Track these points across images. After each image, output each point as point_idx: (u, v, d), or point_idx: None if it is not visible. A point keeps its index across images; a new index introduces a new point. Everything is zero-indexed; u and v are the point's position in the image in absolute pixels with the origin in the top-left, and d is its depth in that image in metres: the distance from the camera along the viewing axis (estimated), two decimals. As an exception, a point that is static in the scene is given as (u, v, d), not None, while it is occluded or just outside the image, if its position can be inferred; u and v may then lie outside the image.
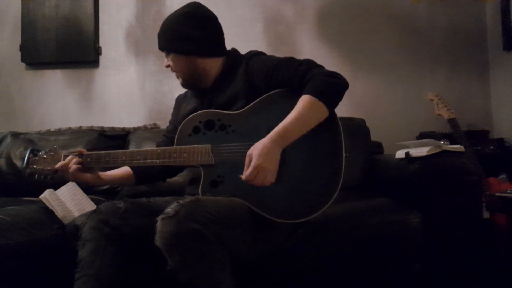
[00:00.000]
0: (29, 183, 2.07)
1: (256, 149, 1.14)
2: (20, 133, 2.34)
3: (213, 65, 1.40)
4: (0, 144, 2.28)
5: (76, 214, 1.59)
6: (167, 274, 1.04)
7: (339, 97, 1.25)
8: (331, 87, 1.22)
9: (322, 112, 1.21)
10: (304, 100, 1.20)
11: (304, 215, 1.21)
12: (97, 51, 2.70)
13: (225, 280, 1.08)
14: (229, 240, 1.12)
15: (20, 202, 1.83)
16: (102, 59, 2.73)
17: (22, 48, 2.69)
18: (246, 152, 1.22)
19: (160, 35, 1.40)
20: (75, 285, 1.16)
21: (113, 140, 2.31)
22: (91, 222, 1.22)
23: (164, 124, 2.50)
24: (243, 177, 1.14)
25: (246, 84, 1.34)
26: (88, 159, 1.37)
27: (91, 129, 2.40)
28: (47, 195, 1.58)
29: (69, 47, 2.66)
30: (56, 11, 2.67)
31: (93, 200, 1.73)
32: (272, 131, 1.17)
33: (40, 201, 1.58)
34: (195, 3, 1.42)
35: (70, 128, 2.43)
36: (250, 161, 1.14)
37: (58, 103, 2.73)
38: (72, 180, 1.39)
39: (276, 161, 1.15)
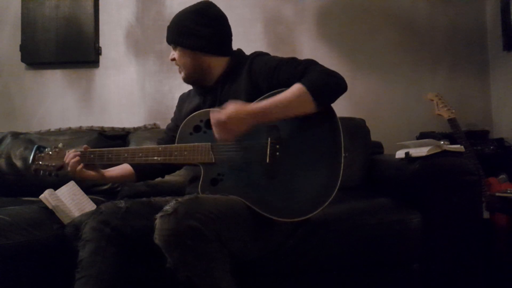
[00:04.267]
0: (29, 183, 2.09)
1: (233, 107, 1.18)
2: (20, 133, 2.34)
3: (217, 64, 1.41)
4: (0, 144, 2.27)
5: (76, 214, 1.59)
6: (167, 274, 1.05)
7: (332, 96, 1.24)
8: (325, 84, 1.22)
9: (308, 104, 1.21)
10: (294, 87, 1.22)
11: (303, 213, 1.21)
12: (97, 51, 2.70)
13: (224, 278, 1.08)
14: (229, 239, 1.12)
15: (20, 202, 1.83)
16: (102, 59, 2.73)
17: (22, 48, 2.69)
18: (245, 152, 1.22)
19: (169, 28, 1.43)
20: (75, 285, 1.16)
21: (113, 140, 2.31)
22: (92, 222, 1.22)
23: (164, 124, 2.50)
24: (212, 120, 1.19)
25: (249, 83, 1.35)
26: (91, 156, 1.40)
27: (91, 129, 2.40)
28: (47, 195, 1.58)
29: (69, 47, 2.66)
30: (56, 11, 2.67)
31: (93, 200, 1.73)
32: (254, 104, 1.20)
33: (40, 201, 1.58)
34: (207, 1, 1.44)
35: (70, 128, 2.43)
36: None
37: (58, 103, 2.73)
38: (77, 176, 1.41)
39: (242, 130, 1.19)
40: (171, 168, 1.57)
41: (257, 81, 1.34)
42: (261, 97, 1.31)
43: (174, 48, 1.43)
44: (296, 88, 1.21)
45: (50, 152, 1.46)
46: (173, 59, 1.44)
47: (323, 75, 1.23)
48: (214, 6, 1.43)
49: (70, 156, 1.39)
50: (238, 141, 1.28)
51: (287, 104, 1.20)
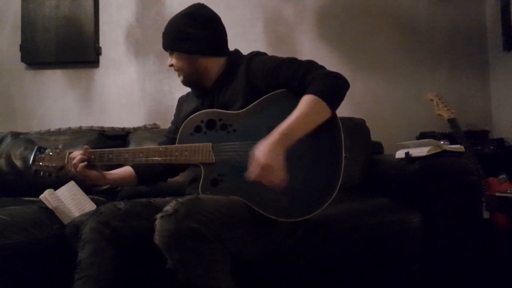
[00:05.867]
0: (29, 183, 2.09)
1: (259, 148, 1.14)
2: (20, 133, 2.34)
3: (215, 65, 1.41)
4: (0, 144, 2.27)
5: (76, 214, 1.59)
6: (167, 275, 1.04)
7: (341, 97, 1.25)
8: (332, 87, 1.23)
9: (324, 112, 1.21)
10: (306, 99, 1.21)
11: (303, 214, 1.21)
12: (97, 51, 2.70)
13: (224, 279, 1.08)
14: (229, 239, 1.11)
15: (20, 202, 1.83)
16: (102, 59, 2.74)
17: (22, 48, 2.69)
18: (246, 151, 1.23)
19: (164, 35, 1.43)
20: (74, 286, 1.16)
21: (113, 140, 2.31)
22: (91, 223, 1.22)
23: (164, 124, 2.52)
24: (248, 176, 1.13)
25: (247, 84, 1.35)
26: (92, 156, 1.40)
27: (91, 129, 2.40)
28: (47, 195, 1.58)
29: (69, 47, 2.66)
30: (56, 11, 2.67)
31: (93, 200, 1.73)
32: (274, 130, 1.16)
33: (40, 201, 1.58)
34: (199, 4, 1.44)
35: (70, 128, 2.43)
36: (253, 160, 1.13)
37: (58, 103, 2.74)
38: (79, 176, 1.41)
39: (280, 159, 1.13)
40: (173, 171, 1.57)
41: (255, 81, 1.34)
42: (260, 99, 1.31)
43: (171, 54, 1.43)
44: (308, 99, 1.20)
45: (51, 153, 1.46)
46: (171, 65, 1.44)
47: (327, 79, 1.23)
48: (205, 7, 1.43)
49: (78, 158, 1.38)
50: (239, 142, 1.28)
51: (306, 117, 1.18)
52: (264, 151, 1.12)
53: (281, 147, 1.14)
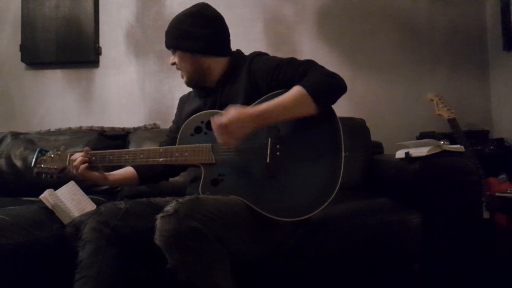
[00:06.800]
0: (29, 183, 2.09)
1: (235, 111, 1.17)
2: (20, 133, 2.34)
3: (217, 65, 1.42)
4: (0, 144, 2.27)
5: (76, 214, 1.59)
6: (167, 275, 1.05)
7: (332, 97, 1.25)
8: (325, 85, 1.23)
9: (308, 106, 1.21)
10: (294, 89, 1.22)
11: (303, 213, 1.20)
12: (97, 51, 2.70)
13: (224, 279, 1.08)
14: (229, 239, 1.12)
15: (20, 202, 1.83)
16: (102, 59, 2.73)
17: (22, 48, 2.69)
18: (246, 151, 1.22)
19: (167, 33, 1.43)
20: (74, 286, 1.16)
21: (113, 140, 2.31)
22: (92, 223, 1.22)
23: (164, 124, 2.52)
24: (214, 122, 1.18)
25: (248, 84, 1.35)
26: (93, 158, 1.41)
27: (91, 129, 2.40)
28: (47, 195, 1.58)
29: (69, 47, 2.66)
30: (56, 11, 2.67)
31: (93, 200, 1.73)
32: (255, 107, 1.20)
33: (40, 201, 1.58)
34: (202, 3, 1.45)
35: (70, 128, 2.43)
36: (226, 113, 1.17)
37: (58, 103, 2.73)
38: (80, 178, 1.42)
39: (244, 133, 1.18)
40: (174, 170, 1.58)
41: (257, 82, 1.35)
42: (260, 99, 1.32)
43: (174, 53, 1.43)
44: (296, 90, 1.22)
45: (52, 155, 1.47)
46: (174, 63, 1.44)
47: (322, 77, 1.23)
48: (209, 7, 1.43)
49: (79, 160, 1.39)
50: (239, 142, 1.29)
51: (287, 106, 1.20)
52: (232, 114, 1.16)
53: (252, 124, 1.19)
